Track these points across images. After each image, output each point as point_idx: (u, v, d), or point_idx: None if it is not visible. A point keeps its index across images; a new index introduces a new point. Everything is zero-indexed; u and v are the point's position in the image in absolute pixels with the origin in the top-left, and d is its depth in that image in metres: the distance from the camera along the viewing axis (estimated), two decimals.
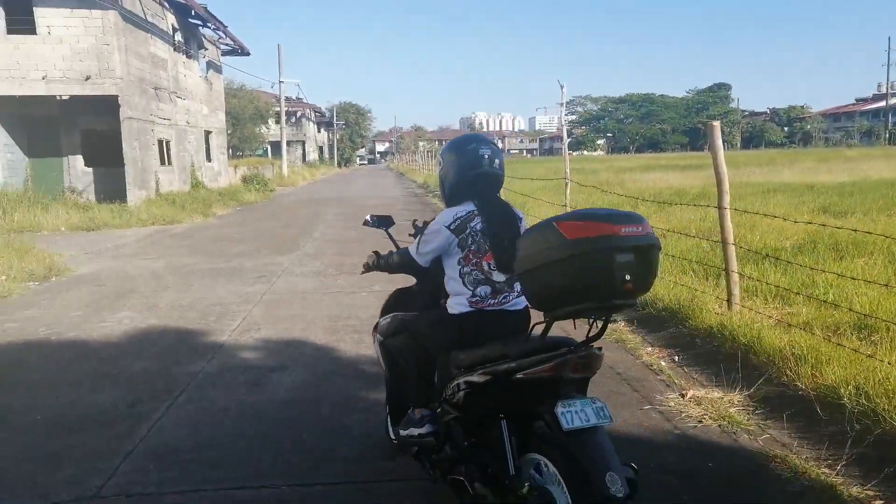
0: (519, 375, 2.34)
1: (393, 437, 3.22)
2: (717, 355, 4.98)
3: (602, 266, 2.06)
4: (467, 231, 2.73)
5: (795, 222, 5.59)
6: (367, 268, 3.27)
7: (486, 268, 2.72)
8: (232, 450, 3.64)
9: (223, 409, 4.23)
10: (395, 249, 3.23)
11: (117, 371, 5.07)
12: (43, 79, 17.19)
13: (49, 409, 4.28)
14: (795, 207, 11.86)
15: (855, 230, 5.83)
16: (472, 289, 2.73)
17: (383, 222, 3.57)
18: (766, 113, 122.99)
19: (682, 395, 4.34)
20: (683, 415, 4.05)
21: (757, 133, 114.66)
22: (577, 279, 2.11)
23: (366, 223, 3.57)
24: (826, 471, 3.27)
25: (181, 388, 4.63)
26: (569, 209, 10.20)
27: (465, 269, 2.74)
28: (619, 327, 5.99)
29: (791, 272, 6.65)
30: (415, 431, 2.91)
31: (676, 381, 4.66)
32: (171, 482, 3.28)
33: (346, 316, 6.67)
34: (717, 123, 5.34)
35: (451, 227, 2.73)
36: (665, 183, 20.91)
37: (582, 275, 2.10)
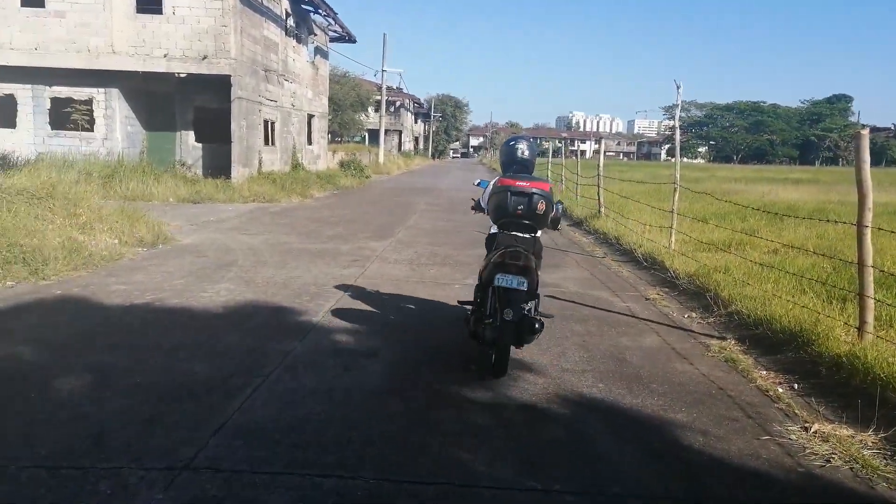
0: (493, 260, 4.35)
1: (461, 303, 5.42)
2: (845, 388, 4.47)
3: (504, 199, 4.46)
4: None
5: None
6: (472, 208, 5.45)
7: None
8: (320, 435, 3.55)
9: (313, 392, 4.16)
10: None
11: (214, 342, 5.13)
12: (164, 56, 18.09)
13: (148, 374, 4.35)
14: None
15: None
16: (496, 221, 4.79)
17: (484, 182, 5.50)
18: (890, 129, 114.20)
19: (806, 429, 3.91)
20: (808, 451, 3.63)
21: (878, 150, 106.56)
22: (498, 205, 4.52)
23: (477, 184, 5.78)
24: None
25: (273, 365, 4.61)
26: (676, 216, 9.66)
27: None
28: (730, 346, 5.54)
29: None
30: (468, 301, 5.05)
31: (797, 411, 4.21)
32: (260, 462, 3.21)
33: (438, 308, 6.54)
34: (865, 132, 4.81)
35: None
36: (775, 196, 19.68)
37: (499, 203, 4.50)
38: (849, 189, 23.95)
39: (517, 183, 4.47)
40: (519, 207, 4.45)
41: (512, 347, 4.32)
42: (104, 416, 3.67)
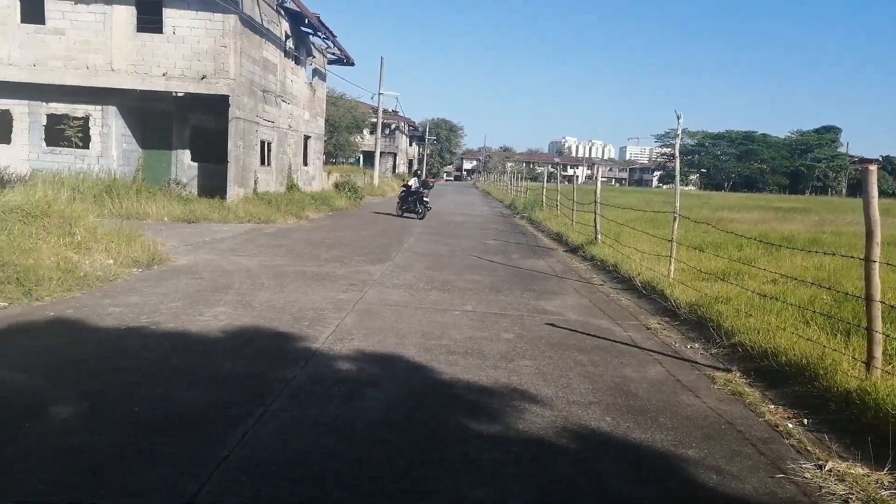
0: (419, 195, 22.24)
1: (399, 212, 22.50)
2: (855, 424, 4.41)
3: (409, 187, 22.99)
4: (414, 186, 22.69)
5: None
6: (404, 187, 23.60)
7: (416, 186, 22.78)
8: (325, 470, 3.44)
9: (316, 423, 4.06)
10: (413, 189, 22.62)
11: (212, 368, 5.02)
12: (163, 75, 18.08)
13: (145, 402, 4.23)
14: None
15: None
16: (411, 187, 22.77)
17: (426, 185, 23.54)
18: (877, 160, 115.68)
19: (820, 467, 3.84)
20: (825, 491, 3.56)
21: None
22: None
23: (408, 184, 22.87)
24: None
25: (274, 394, 4.50)
26: (675, 245, 9.64)
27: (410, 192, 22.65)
28: (735, 378, 5.48)
29: None
30: (402, 208, 22.59)
31: (810, 448, 4.14)
32: (264, 499, 3.10)
33: (438, 335, 6.45)
34: (874, 168, 4.78)
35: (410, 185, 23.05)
36: (767, 226, 19.74)
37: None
38: (840, 219, 24.10)
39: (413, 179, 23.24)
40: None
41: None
42: (99, 448, 3.55)
